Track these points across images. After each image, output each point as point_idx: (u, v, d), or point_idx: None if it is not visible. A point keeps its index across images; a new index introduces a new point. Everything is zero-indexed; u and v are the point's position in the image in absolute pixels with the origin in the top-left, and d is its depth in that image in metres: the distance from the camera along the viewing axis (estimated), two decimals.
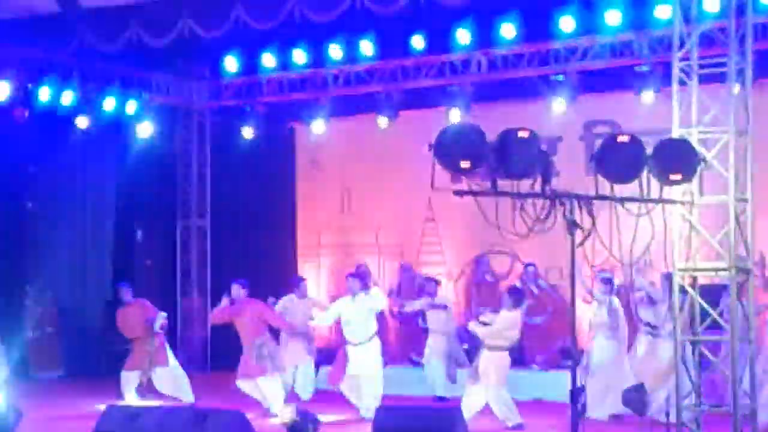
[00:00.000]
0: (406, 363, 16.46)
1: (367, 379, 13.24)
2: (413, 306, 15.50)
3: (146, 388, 14.50)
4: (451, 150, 7.47)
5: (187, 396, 14.22)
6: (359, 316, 13.34)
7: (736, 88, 9.42)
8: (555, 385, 13.29)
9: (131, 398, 14.14)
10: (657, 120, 9.51)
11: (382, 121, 17.21)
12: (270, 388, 13.55)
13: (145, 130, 17.88)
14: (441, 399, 14.55)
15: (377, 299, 13.46)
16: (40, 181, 18.62)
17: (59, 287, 18.72)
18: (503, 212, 7.85)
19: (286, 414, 11.10)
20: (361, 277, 14.09)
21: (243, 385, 13.69)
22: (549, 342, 15.56)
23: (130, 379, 14.40)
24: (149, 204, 19.29)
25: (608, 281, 12.74)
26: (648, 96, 15.07)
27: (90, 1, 15.20)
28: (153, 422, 11.63)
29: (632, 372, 12.17)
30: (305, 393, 15.05)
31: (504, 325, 12.33)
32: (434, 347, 14.97)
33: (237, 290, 13.71)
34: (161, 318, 14.57)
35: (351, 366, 13.29)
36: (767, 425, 11.54)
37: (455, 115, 16.21)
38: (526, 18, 15.42)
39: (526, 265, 16.12)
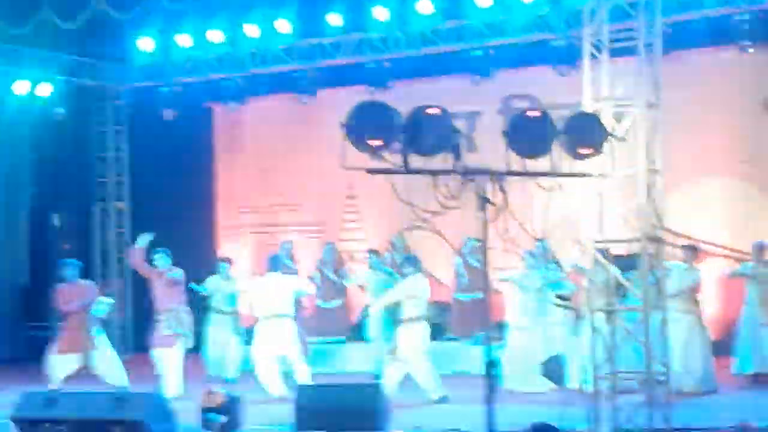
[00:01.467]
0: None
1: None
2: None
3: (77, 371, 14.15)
4: (361, 128, 7.45)
5: (120, 380, 13.89)
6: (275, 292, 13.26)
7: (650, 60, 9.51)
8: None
9: (57, 382, 13.77)
10: (575, 93, 9.57)
11: (301, 99, 17.14)
12: (171, 360, 13.46)
13: (59, 113, 17.59)
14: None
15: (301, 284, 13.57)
16: None
17: None
18: (418, 189, 7.86)
19: (212, 395, 11.04)
20: (277, 259, 13.98)
21: (154, 353, 13.63)
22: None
23: (58, 363, 13.97)
24: (66, 188, 19.07)
25: (531, 255, 12.89)
26: (564, 70, 15.18)
27: None
28: (71, 406, 11.51)
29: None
30: (232, 372, 15.00)
31: (405, 290, 12.38)
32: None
33: (160, 259, 13.67)
34: (106, 304, 14.20)
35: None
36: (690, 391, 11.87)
37: (378, 93, 16.17)
38: None
39: (466, 239, 15.93)
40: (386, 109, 7.65)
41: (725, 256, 15.08)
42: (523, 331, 12.91)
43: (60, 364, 13.78)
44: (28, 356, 18.11)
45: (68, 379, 13.74)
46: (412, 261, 12.75)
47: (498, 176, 7.69)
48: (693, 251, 12.67)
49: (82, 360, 13.74)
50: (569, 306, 12.39)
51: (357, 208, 18.13)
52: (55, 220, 19.17)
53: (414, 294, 12.43)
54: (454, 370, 14.63)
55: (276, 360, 13.29)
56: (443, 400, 12.37)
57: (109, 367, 13.86)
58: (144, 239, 13.99)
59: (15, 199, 19.21)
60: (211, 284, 15.09)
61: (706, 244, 13.89)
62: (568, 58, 15.05)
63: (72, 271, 14.06)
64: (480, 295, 15.17)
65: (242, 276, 16.84)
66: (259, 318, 13.41)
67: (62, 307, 13.89)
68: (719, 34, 14.66)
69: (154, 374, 13.80)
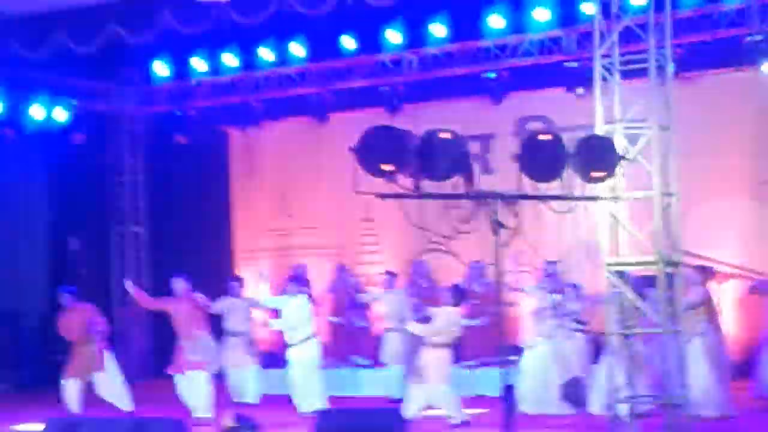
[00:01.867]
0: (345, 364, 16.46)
1: (307, 379, 13.27)
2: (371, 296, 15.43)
3: (87, 394, 14.20)
4: (373, 153, 7.45)
5: (124, 404, 13.98)
6: (297, 316, 13.36)
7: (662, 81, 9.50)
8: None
9: (74, 407, 13.83)
10: (589, 115, 9.56)
11: (316, 123, 17.18)
12: (198, 385, 13.47)
13: (76, 137, 17.68)
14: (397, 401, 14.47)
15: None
16: None
17: None
18: (432, 213, 7.86)
19: (223, 419, 11.02)
20: (298, 279, 14.13)
21: (177, 378, 13.64)
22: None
23: (70, 388, 14.01)
24: (83, 212, 19.10)
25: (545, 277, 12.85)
26: (578, 91, 15.15)
27: (13, 8, 15.02)
28: None
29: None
30: (250, 396, 14.96)
31: (444, 322, 12.33)
32: (393, 346, 14.88)
33: (179, 284, 13.69)
34: (102, 324, 14.29)
35: (290, 367, 13.33)
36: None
37: (392, 116, 16.19)
38: (455, 17, 15.50)
39: (472, 263, 15.86)
40: (398, 133, 7.66)
41: (742, 277, 14.99)
42: (538, 353, 12.84)
43: (72, 389, 13.87)
44: (49, 382, 18.16)
45: (81, 402, 13.82)
46: (454, 291, 12.59)
47: (510, 200, 7.67)
48: (703, 272, 12.55)
49: (87, 380, 13.87)
50: (587, 330, 12.30)
51: (374, 231, 18.10)
52: (73, 244, 19.20)
53: (452, 326, 12.39)
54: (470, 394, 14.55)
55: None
56: (464, 424, 12.31)
57: (114, 389, 13.95)
58: (129, 286, 14.12)
59: (33, 224, 19.27)
60: (224, 305, 15.00)
61: (723, 265, 13.79)
62: (581, 79, 15.02)
63: (67, 298, 14.27)
64: (478, 322, 15.06)
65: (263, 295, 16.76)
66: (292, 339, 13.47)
67: (67, 336, 14.07)
68: (732, 54, 14.59)
69: (175, 399, 13.80)
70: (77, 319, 14.19)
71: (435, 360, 12.30)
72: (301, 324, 13.51)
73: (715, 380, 12.19)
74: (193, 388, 13.47)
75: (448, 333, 12.33)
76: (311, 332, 13.59)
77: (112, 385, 14.04)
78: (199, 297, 13.65)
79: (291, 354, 13.53)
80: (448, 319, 12.33)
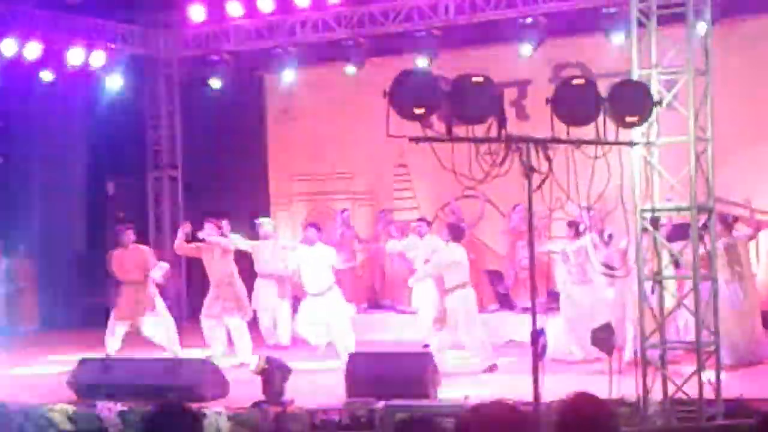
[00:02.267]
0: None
1: (335, 328, 13.28)
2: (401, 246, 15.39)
3: (134, 335, 14.26)
4: (405, 97, 7.45)
5: (173, 345, 14.00)
6: (317, 266, 13.36)
7: (701, 27, 9.39)
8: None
9: (113, 347, 13.90)
10: (626, 62, 9.48)
11: (350, 69, 17.13)
12: (236, 331, 13.62)
13: (113, 81, 17.76)
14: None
15: (329, 256, 13.58)
16: (7, 135, 18.51)
17: (31, 241, 18.68)
18: (464, 158, 7.85)
19: (255, 362, 11.18)
20: (317, 227, 14.04)
21: (206, 323, 13.75)
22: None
23: (117, 329, 13.97)
24: (120, 156, 19.24)
25: (572, 224, 12.86)
26: (616, 38, 15.00)
27: None
28: (126, 373, 11.75)
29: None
30: (283, 338, 15.07)
31: (441, 261, 12.43)
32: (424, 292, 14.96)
33: (209, 230, 13.79)
34: (162, 268, 14.29)
35: (315, 315, 13.30)
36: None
37: (426, 62, 16.09)
38: None
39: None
40: (430, 77, 7.65)
41: None
42: (571, 299, 12.90)
43: (117, 331, 13.94)
44: (85, 323, 18.41)
45: (123, 342, 13.93)
46: (452, 230, 12.80)
47: (542, 144, 7.66)
48: (724, 221, 12.47)
49: (138, 324, 13.89)
50: (617, 275, 12.31)
51: (408, 177, 18.12)
52: (110, 188, 19.37)
53: (451, 263, 12.47)
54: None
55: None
56: (492, 368, 12.40)
57: (164, 331, 13.99)
58: (186, 227, 14.18)
59: (71, 168, 19.45)
60: (257, 246, 15.03)
61: (760, 213, 13.68)
62: (619, 25, 14.86)
63: (127, 237, 14.20)
64: None
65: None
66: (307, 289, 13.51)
67: (120, 275, 14.02)
68: None
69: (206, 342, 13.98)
70: (135, 258, 14.15)
71: (457, 302, 12.37)
72: (319, 274, 13.40)
73: (743, 328, 12.19)
74: (234, 333, 13.61)
75: (457, 271, 12.36)
76: (331, 282, 13.45)
77: (161, 327, 14.02)
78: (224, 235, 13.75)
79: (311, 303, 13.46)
80: (441, 258, 12.42)
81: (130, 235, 14.26)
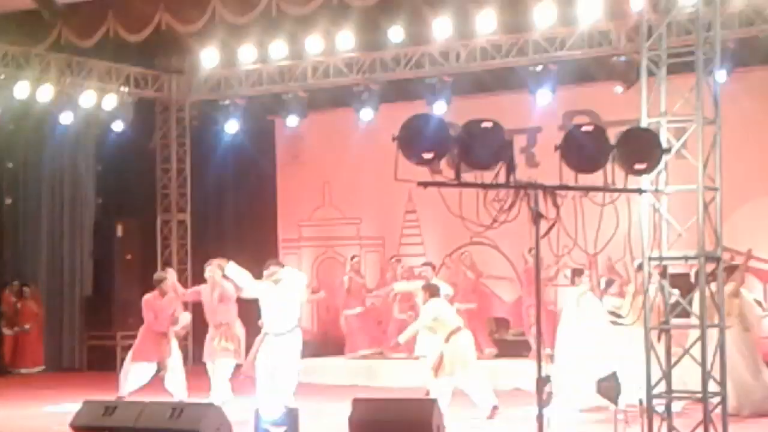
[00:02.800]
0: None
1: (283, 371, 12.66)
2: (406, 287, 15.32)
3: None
4: (414, 141, 7.45)
5: (182, 392, 13.89)
6: (280, 304, 12.61)
7: (711, 76, 9.40)
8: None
9: (128, 388, 13.79)
10: (635, 110, 9.50)
11: (366, 114, 17.17)
12: (219, 371, 13.41)
13: (124, 124, 17.86)
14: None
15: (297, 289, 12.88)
16: (18, 177, 18.60)
17: (39, 283, 18.72)
18: (472, 204, 7.85)
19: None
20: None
21: (209, 366, 13.61)
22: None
23: (137, 371, 13.80)
24: (129, 199, 19.34)
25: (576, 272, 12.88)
26: (617, 90, 15.02)
27: None
28: (129, 416, 11.65)
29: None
30: (288, 385, 14.92)
31: (424, 320, 12.48)
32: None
33: (210, 272, 13.61)
34: (186, 319, 14.22)
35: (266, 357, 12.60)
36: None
37: (438, 108, 16.14)
38: (504, 8, 15.44)
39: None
40: (439, 122, 7.65)
41: None
42: (576, 346, 12.83)
43: (136, 373, 13.83)
44: (90, 365, 18.40)
45: (141, 387, 13.81)
46: (427, 290, 12.86)
47: (550, 191, 7.64)
48: (728, 270, 12.38)
49: (156, 368, 13.78)
50: (623, 322, 12.27)
51: (417, 222, 18.13)
52: (119, 230, 19.39)
53: (433, 320, 12.52)
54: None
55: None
56: (494, 410, 12.33)
57: (175, 377, 13.90)
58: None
59: (80, 210, 19.51)
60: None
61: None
62: (629, 73, 14.89)
63: (168, 286, 14.07)
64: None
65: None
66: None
67: (151, 320, 13.84)
68: None
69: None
70: (171, 306, 13.95)
71: (454, 348, 12.35)
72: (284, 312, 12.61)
73: (750, 377, 12.11)
74: (215, 375, 13.41)
75: (444, 323, 12.38)
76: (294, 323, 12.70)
77: (175, 373, 13.93)
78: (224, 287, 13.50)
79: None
80: (423, 318, 12.62)
81: (170, 283, 14.18)
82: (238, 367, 13.41)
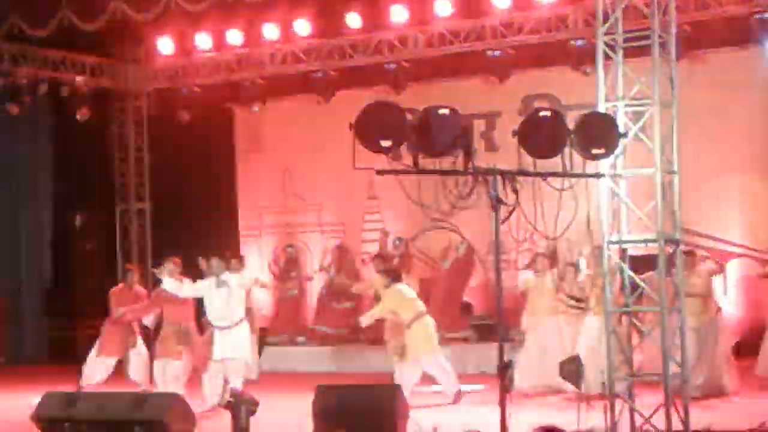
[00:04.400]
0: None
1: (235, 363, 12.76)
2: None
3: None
4: (371, 129, 7.44)
5: (146, 382, 13.82)
6: (222, 300, 12.71)
7: (666, 60, 9.44)
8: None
9: (91, 380, 13.72)
10: (594, 94, 9.53)
11: (321, 100, 17.14)
12: (171, 372, 13.34)
13: (80, 114, 17.70)
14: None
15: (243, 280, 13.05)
16: None
17: None
18: (431, 190, 7.86)
19: (222, 395, 11.06)
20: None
21: (159, 364, 13.47)
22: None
23: (100, 365, 13.77)
24: (88, 189, 19.15)
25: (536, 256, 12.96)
26: (586, 71, 15.06)
27: None
28: (91, 407, 11.57)
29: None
30: (251, 373, 14.90)
31: (386, 306, 12.52)
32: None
33: (165, 270, 13.45)
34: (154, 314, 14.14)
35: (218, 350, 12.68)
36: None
37: (396, 94, 16.14)
38: None
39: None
40: (396, 110, 7.64)
41: (746, 256, 14.99)
42: (537, 332, 12.91)
43: (100, 366, 13.76)
44: (50, 356, 18.25)
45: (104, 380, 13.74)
46: (389, 273, 12.88)
47: (509, 176, 7.66)
48: (690, 256, 12.49)
49: (119, 360, 13.72)
50: (581, 306, 12.36)
51: (377, 208, 18.12)
52: (77, 220, 19.26)
53: (397, 304, 12.54)
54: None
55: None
56: (458, 395, 12.38)
57: (140, 367, 13.83)
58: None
59: (38, 200, 19.35)
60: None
61: (727, 244, 13.78)
62: (586, 57, 14.94)
63: (134, 277, 13.98)
64: None
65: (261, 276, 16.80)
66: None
67: (115, 311, 13.76)
68: (738, 32, 14.53)
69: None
70: (136, 299, 13.87)
71: (416, 333, 12.38)
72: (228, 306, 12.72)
73: (711, 358, 12.22)
74: (166, 376, 13.31)
75: (408, 308, 12.42)
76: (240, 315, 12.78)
77: (138, 364, 13.87)
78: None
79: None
80: (385, 303, 12.67)
81: (135, 275, 14.11)
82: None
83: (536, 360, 12.66)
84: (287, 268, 18.07)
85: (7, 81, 16.63)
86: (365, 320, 13.26)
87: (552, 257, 13.28)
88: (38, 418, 11.54)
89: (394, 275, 12.95)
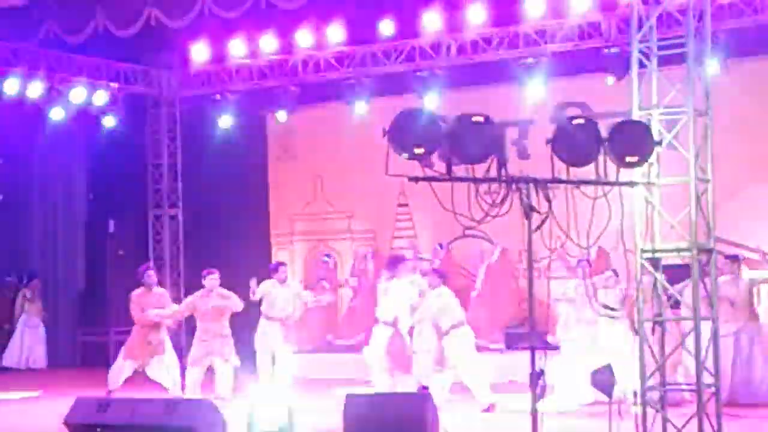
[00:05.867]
0: None
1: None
2: None
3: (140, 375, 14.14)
4: (404, 136, 7.43)
5: (176, 388, 13.90)
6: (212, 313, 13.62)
7: (702, 67, 9.38)
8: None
9: (116, 383, 13.81)
10: (627, 102, 9.50)
11: (353, 107, 17.16)
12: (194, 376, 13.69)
13: (115, 120, 17.82)
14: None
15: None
16: (9, 173, 18.54)
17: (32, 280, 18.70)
18: (464, 197, 7.83)
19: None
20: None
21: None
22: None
23: (124, 368, 13.88)
24: (121, 194, 19.29)
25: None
26: (608, 82, 15.02)
27: None
28: (122, 412, 11.62)
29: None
30: (283, 379, 14.93)
31: (431, 307, 12.46)
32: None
33: (211, 281, 13.73)
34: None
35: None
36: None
37: (429, 101, 16.14)
38: (494, 1, 15.42)
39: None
40: (429, 116, 7.62)
41: None
42: (572, 342, 12.83)
43: (125, 369, 13.83)
44: (84, 361, 18.35)
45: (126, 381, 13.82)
46: (438, 275, 12.86)
47: (542, 184, 7.62)
48: (735, 261, 12.47)
49: (146, 365, 13.79)
50: (616, 315, 12.29)
51: (409, 216, 18.11)
52: (111, 226, 19.37)
53: (440, 308, 12.50)
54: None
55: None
56: (491, 407, 12.32)
57: (169, 373, 13.88)
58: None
59: (72, 206, 19.49)
60: (268, 288, 14.80)
61: (760, 254, 13.64)
62: (620, 65, 14.87)
63: (151, 279, 14.07)
64: None
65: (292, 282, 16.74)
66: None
67: (137, 316, 13.85)
68: None
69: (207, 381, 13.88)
70: (158, 301, 13.95)
71: (455, 343, 12.33)
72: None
73: (757, 367, 12.13)
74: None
75: (450, 315, 12.38)
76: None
77: (167, 369, 13.92)
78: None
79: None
80: (430, 304, 12.56)
81: (153, 276, 14.16)
82: None
83: (573, 368, 12.60)
84: (327, 277, 17.99)
85: (43, 87, 16.73)
86: (412, 324, 13.19)
87: (590, 266, 13.19)
88: (70, 423, 11.61)
89: (442, 276, 12.89)
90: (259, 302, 14.38)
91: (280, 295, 14.46)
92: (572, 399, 12.40)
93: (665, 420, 9.13)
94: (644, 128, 8.72)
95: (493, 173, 7.73)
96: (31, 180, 19.05)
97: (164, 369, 13.80)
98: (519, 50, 16.04)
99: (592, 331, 12.78)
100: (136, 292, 13.94)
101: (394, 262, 13.65)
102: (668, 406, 9.31)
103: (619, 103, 12.31)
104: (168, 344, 14.02)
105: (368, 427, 10.43)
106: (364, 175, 17.56)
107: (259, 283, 14.37)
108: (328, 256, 18.10)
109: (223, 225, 19.07)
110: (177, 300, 14.88)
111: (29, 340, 18.57)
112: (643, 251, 9.23)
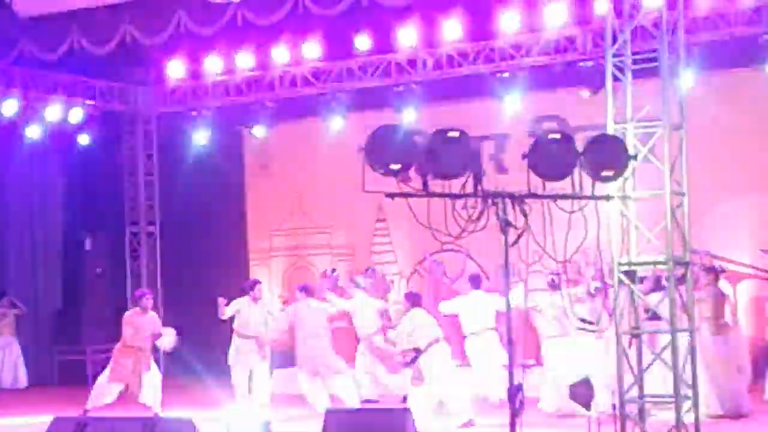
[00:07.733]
0: None
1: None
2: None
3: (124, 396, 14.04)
4: (380, 152, 7.44)
5: (156, 406, 13.80)
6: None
7: (676, 81, 9.44)
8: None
9: (98, 403, 13.70)
10: (603, 115, 9.54)
11: (330, 123, 17.18)
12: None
13: (91, 137, 17.76)
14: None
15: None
16: None
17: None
18: (440, 213, 7.84)
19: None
20: (307, 290, 14.39)
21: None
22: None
23: (110, 390, 13.70)
24: (98, 211, 19.22)
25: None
26: (583, 94, 15.05)
27: (29, 9, 15.09)
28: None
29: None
30: (262, 397, 14.88)
31: (405, 330, 12.49)
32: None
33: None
34: (171, 335, 14.09)
35: None
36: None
37: (406, 116, 16.18)
38: (469, 16, 15.47)
39: None
40: (406, 132, 7.64)
41: (756, 277, 14.93)
42: (549, 355, 12.86)
43: (110, 391, 13.70)
44: (60, 380, 18.24)
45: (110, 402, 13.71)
46: (410, 298, 12.91)
47: (518, 199, 7.65)
48: (711, 273, 12.52)
49: (132, 387, 13.68)
50: (592, 329, 12.32)
51: (387, 231, 18.11)
52: (88, 244, 19.28)
53: (412, 329, 12.52)
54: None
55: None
56: (469, 424, 12.32)
57: (152, 391, 13.80)
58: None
59: (48, 224, 19.39)
60: (239, 306, 14.74)
61: (737, 265, 13.73)
62: (595, 78, 14.94)
63: (149, 302, 13.95)
64: None
65: (271, 299, 16.79)
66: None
67: (129, 337, 13.69)
68: (748, 54, 14.52)
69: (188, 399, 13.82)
70: (152, 324, 13.81)
71: (432, 360, 12.34)
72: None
73: (727, 379, 12.17)
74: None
75: (425, 335, 12.39)
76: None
77: (150, 387, 13.82)
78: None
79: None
80: (404, 328, 12.58)
81: (151, 301, 14.04)
82: None
83: (553, 381, 12.63)
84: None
85: (18, 105, 16.67)
86: (380, 342, 13.29)
87: (566, 279, 13.21)
88: None
89: (415, 299, 12.92)
90: (231, 319, 14.36)
91: (253, 314, 14.42)
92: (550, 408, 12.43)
93: None
94: (620, 142, 8.78)
95: (470, 188, 7.74)
96: (7, 198, 18.94)
97: (147, 387, 13.72)
98: (495, 64, 16.08)
99: (567, 342, 12.81)
100: (129, 313, 13.86)
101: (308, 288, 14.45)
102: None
103: (594, 117, 12.40)
104: (151, 361, 13.93)
105: None
106: (343, 191, 17.53)
107: (231, 301, 14.36)
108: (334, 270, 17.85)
109: (202, 241, 19.01)
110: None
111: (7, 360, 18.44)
112: (620, 264, 9.27)
